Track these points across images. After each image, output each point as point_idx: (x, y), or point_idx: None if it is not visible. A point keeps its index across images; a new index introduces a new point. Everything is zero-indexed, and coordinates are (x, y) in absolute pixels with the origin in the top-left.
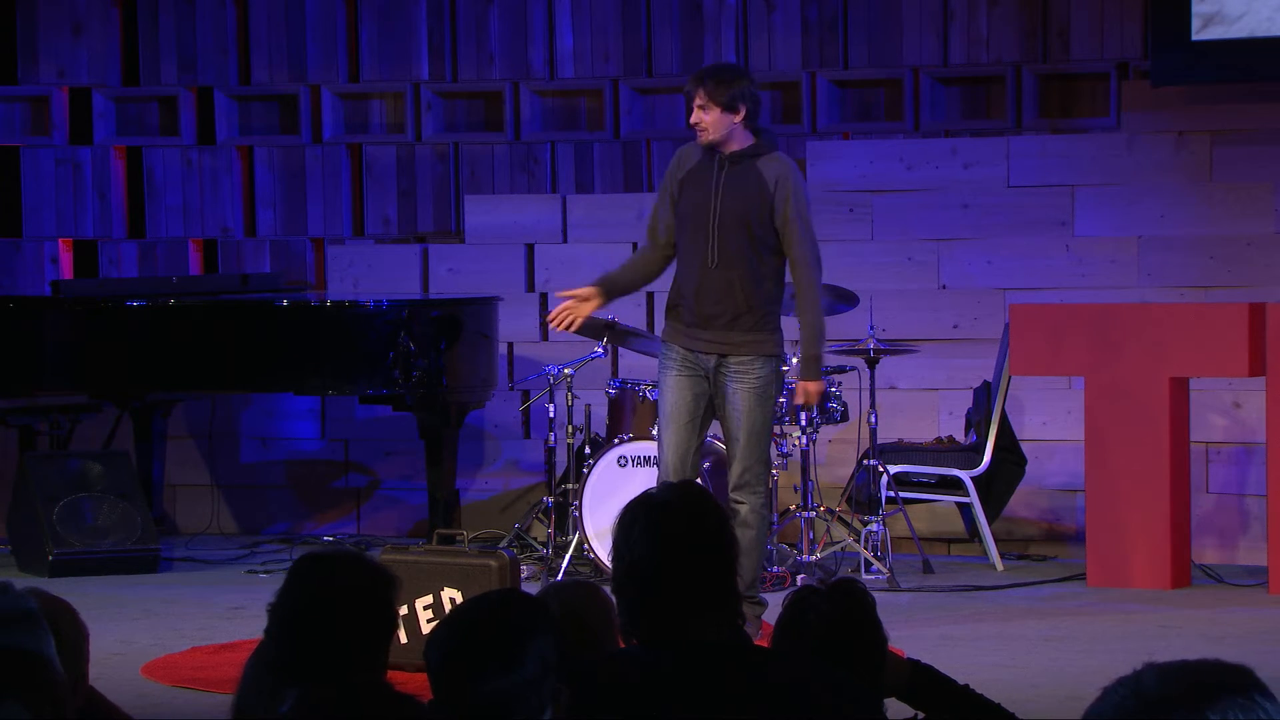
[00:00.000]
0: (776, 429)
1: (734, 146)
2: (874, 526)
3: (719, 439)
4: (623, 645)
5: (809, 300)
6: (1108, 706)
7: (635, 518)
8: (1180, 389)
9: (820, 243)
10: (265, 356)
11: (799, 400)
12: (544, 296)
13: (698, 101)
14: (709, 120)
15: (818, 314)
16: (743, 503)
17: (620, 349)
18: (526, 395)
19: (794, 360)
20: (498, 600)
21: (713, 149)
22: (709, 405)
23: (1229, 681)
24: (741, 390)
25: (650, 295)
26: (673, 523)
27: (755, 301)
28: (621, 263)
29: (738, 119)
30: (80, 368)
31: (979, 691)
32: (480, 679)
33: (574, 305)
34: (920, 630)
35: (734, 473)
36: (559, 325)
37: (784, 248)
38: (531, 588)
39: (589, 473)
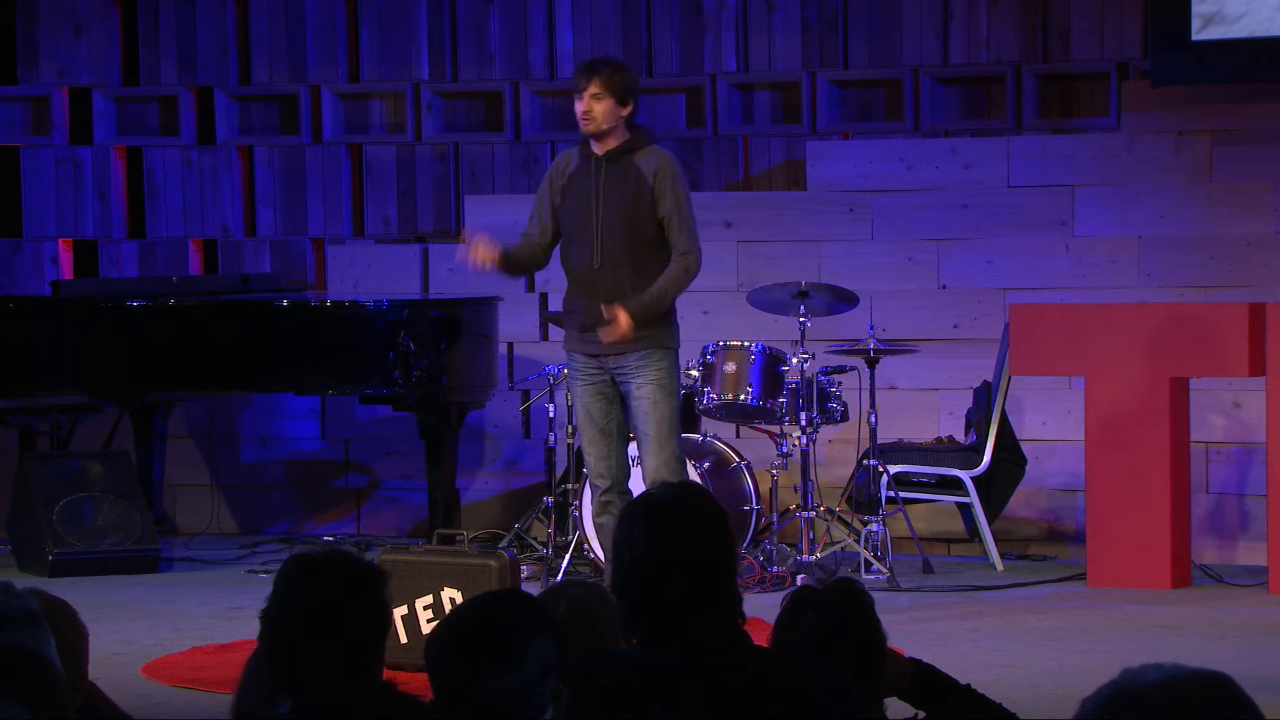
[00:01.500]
0: (777, 428)
1: (611, 143)
2: (874, 526)
3: (719, 438)
4: (623, 645)
5: (676, 270)
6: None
7: (635, 517)
8: (1180, 389)
9: (820, 243)
10: (265, 356)
11: (651, 379)
12: (544, 296)
13: (591, 90)
14: (600, 110)
15: (674, 282)
16: None
17: None
18: (526, 395)
19: (687, 366)
20: (497, 601)
21: (589, 152)
22: (619, 406)
23: (1209, 693)
24: (644, 385)
25: None
26: (672, 522)
27: None
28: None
29: (625, 112)
30: (80, 368)
31: (980, 691)
32: (480, 680)
33: (483, 248)
34: (920, 630)
35: (648, 468)
36: (475, 258)
37: (668, 239)
38: (532, 588)
39: (588, 472)
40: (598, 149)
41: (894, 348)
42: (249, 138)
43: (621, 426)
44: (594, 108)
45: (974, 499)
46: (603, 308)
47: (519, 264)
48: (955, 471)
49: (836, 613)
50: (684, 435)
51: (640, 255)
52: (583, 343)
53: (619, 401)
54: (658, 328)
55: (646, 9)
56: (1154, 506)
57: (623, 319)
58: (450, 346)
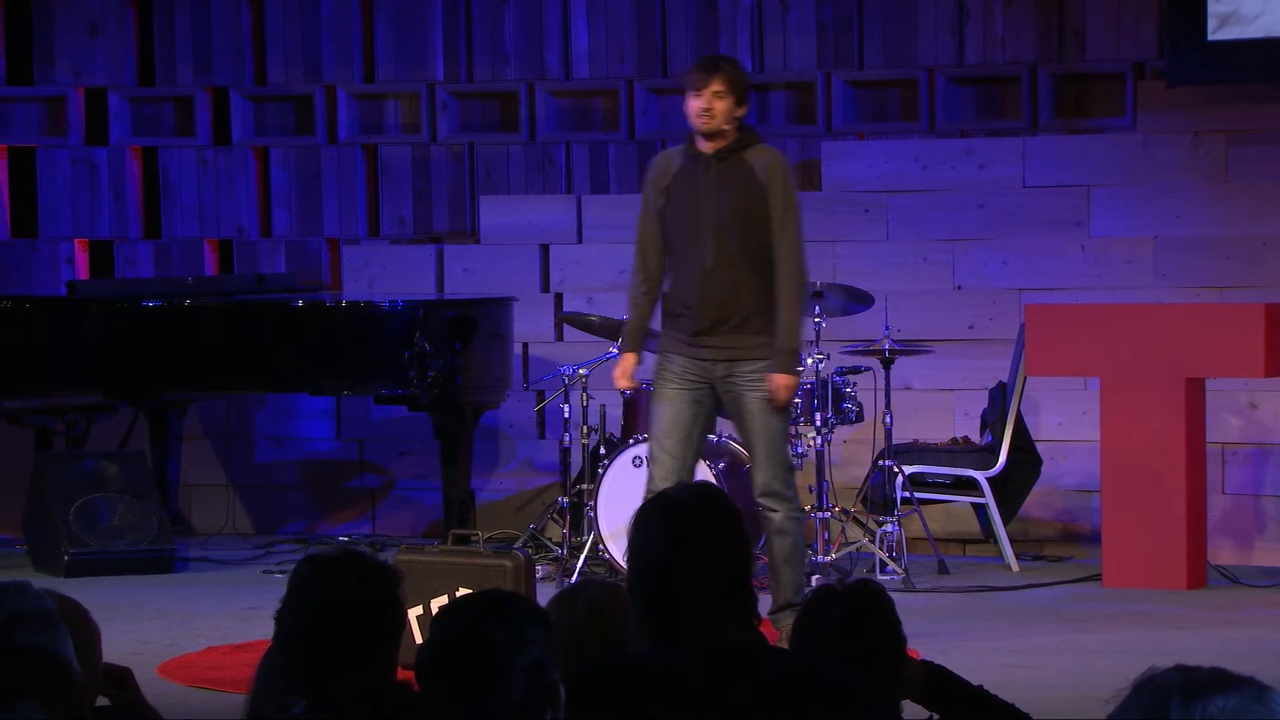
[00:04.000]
0: (791, 429)
1: (722, 142)
2: (889, 527)
3: (734, 439)
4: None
5: (789, 291)
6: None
7: (650, 517)
8: (1196, 389)
9: (835, 243)
10: (280, 357)
11: (766, 391)
12: (559, 297)
13: (714, 88)
14: (721, 108)
15: (796, 308)
16: (775, 510)
17: None
18: (541, 395)
19: None
20: (476, 618)
21: (695, 151)
22: (708, 419)
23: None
24: (759, 400)
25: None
26: (687, 522)
27: (764, 301)
28: (629, 313)
29: (740, 112)
30: (96, 368)
31: (994, 693)
32: (466, 701)
33: (624, 378)
34: (935, 631)
35: (758, 481)
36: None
37: (771, 237)
38: (547, 588)
39: (604, 473)
40: (707, 147)
41: (909, 348)
42: (264, 138)
43: (703, 440)
44: (715, 105)
45: (989, 499)
46: (769, 381)
47: (647, 335)
48: (970, 472)
49: (855, 613)
50: None
51: (757, 256)
52: (692, 347)
53: (712, 415)
54: (772, 338)
55: (662, 9)
56: (1170, 507)
57: (780, 383)
58: (465, 347)
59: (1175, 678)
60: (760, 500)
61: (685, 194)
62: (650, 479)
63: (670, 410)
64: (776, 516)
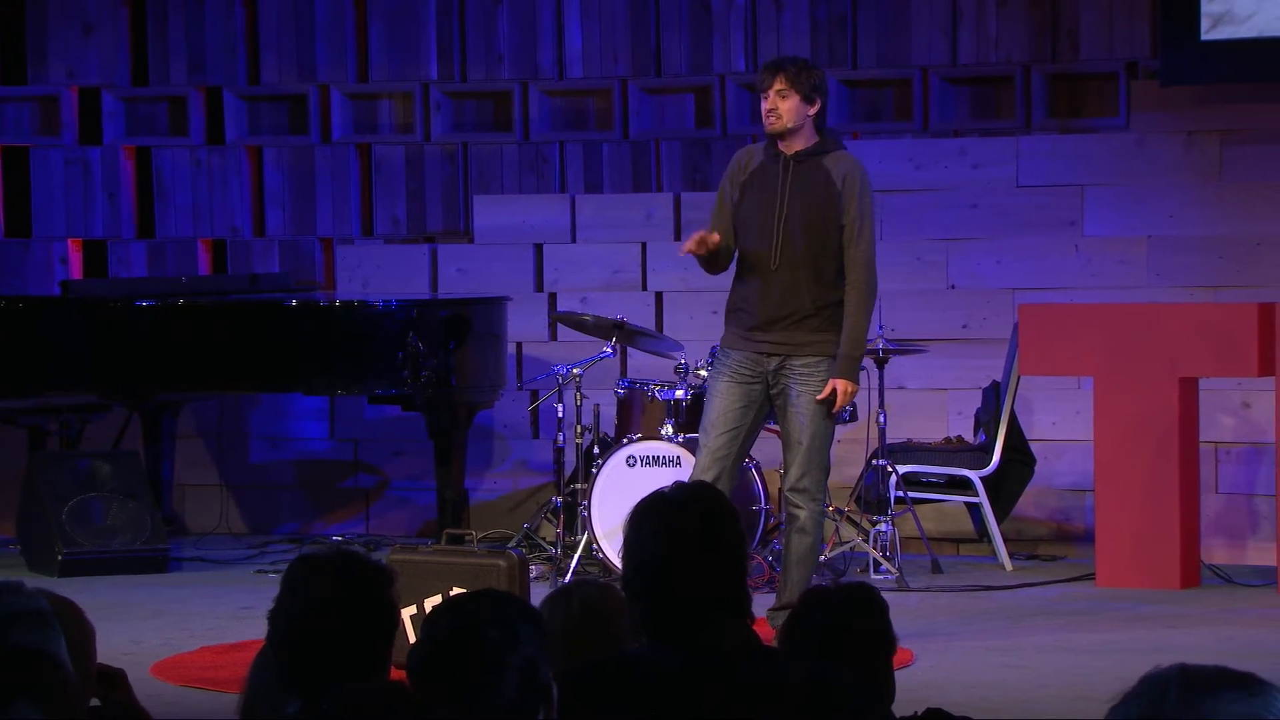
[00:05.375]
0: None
1: (800, 145)
2: (883, 527)
3: None
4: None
5: (857, 298)
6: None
7: (646, 516)
8: (1190, 389)
9: None
10: (274, 356)
11: (823, 396)
12: (553, 296)
13: (776, 87)
14: (786, 107)
15: (863, 315)
16: (800, 508)
17: (629, 349)
18: (535, 395)
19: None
20: (468, 617)
21: (776, 151)
22: (758, 415)
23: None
24: (807, 394)
25: (659, 295)
26: (683, 522)
27: (822, 302)
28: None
29: (813, 111)
30: (89, 368)
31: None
32: (458, 700)
33: (705, 235)
34: (929, 630)
35: (791, 475)
36: (692, 248)
37: (844, 244)
38: (540, 588)
39: (598, 472)
40: (785, 149)
41: (903, 348)
42: (258, 138)
43: (751, 437)
44: (780, 105)
45: (983, 499)
46: (830, 384)
47: (717, 258)
48: (964, 471)
49: (847, 614)
50: (694, 435)
51: (821, 261)
52: (746, 340)
53: (762, 411)
54: (830, 334)
55: (655, 9)
56: (1163, 507)
57: (840, 387)
58: (459, 346)
59: (1175, 674)
60: (789, 494)
61: (759, 192)
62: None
63: (720, 403)
64: (801, 514)
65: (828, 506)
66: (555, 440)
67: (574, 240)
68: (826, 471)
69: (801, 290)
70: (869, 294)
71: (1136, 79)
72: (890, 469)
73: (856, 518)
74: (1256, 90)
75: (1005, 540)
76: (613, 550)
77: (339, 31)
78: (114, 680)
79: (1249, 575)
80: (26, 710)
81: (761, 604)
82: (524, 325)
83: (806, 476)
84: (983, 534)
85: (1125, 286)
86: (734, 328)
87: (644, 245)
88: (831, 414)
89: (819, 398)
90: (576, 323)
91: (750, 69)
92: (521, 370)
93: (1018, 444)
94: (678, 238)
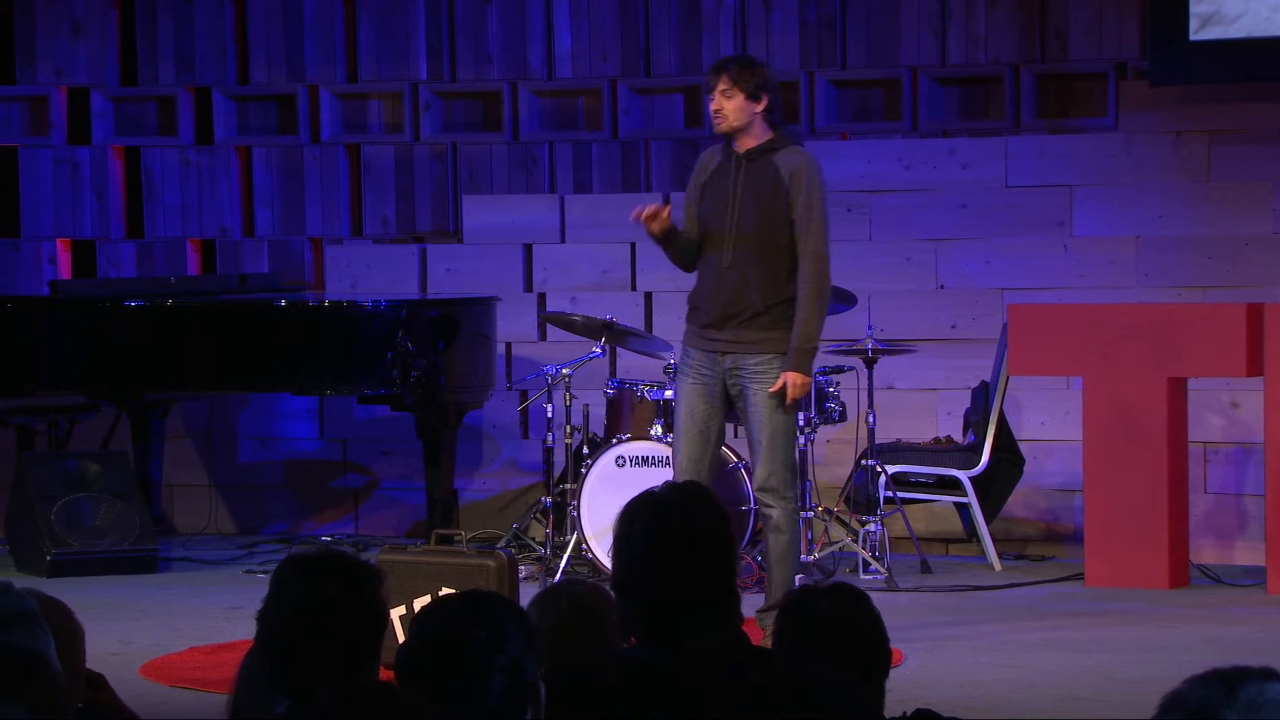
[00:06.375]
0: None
1: (751, 142)
2: (872, 527)
3: (727, 447)
4: (624, 644)
5: (807, 291)
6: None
7: (635, 516)
8: (1178, 389)
9: None
10: (263, 356)
11: (774, 389)
12: (542, 296)
13: (720, 87)
14: (731, 107)
15: (814, 308)
16: (771, 507)
17: (618, 349)
18: (525, 395)
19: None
20: (455, 617)
21: (731, 151)
22: (722, 411)
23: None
24: (762, 392)
25: (648, 295)
26: (672, 522)
27: (773, 300)
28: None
29: (759, 109)
30: (78, 368)
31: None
32: (446, 700)
33: (658, 208)
34: (918, 630)
35: (758, 476)
36: (642, 215)
37: (795, 240)
38: (530, 588)
39: (587, 473)
40: (738, 148)
41: (892, 348)
42: (247, 138)
43: (720, 432)
44: (725, 105)
45: (972, 499)
46: (781, 377)
47: (680, 248)
48: (953, 471)
49: (835, 615)
50: None
51: (773, 258)
52: (701, 339)
53: (725, 407)
54: (780, 331)
55: (644, 9)
56: (1152, 506)
57: (791, 380)
58: (448, 346)
59: (1222, 671)
60: (758, 494)
61: (715, 192)
62: (673, 471)
63: (685, 405)
64: (774, 513)
65: (816, 506)
66: (544, 440)
67: (563, 240)
68: (793, 468)
69: (752, 288)
70: (820, 287)
71: (1125, 79)
72: (879, 469)
73: (846, 518)
74: (1245, 90)
75: (994, 540)
76: (602, 550)
77: (328, 31)
78: (96, 684)
79: (1237, 575)
80: (15, 711)
81: (751, 604)
82: (513, 325)
83: (773, 475)
84: (972, 534)
85: (1114, 286)
86: (692, 325)
87: (633, 245)
88: (787, 408)
89: (770, 390)
90: (566, 323)
91: None
92: (511, 370)
93: (1006, 444)
94: None
